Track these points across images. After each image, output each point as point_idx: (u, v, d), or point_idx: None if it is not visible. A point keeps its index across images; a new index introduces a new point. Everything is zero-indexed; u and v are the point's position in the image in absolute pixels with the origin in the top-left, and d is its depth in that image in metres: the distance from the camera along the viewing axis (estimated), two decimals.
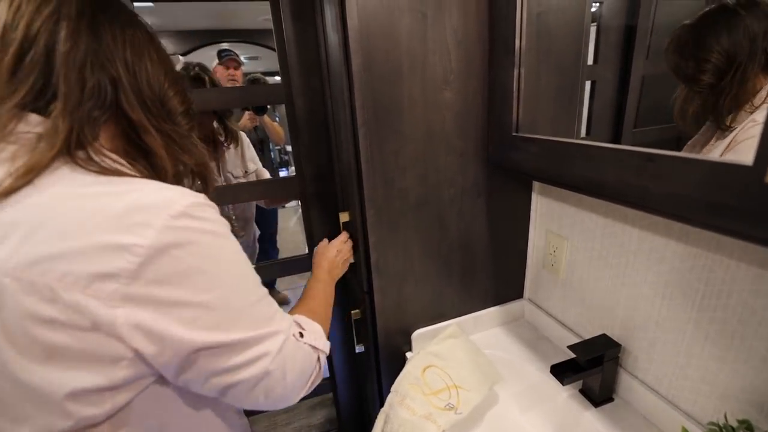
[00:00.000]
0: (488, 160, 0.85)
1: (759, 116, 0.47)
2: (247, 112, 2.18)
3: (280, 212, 3.24)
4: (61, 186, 0.38)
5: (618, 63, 0.71)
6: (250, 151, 1.52)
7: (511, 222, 0.93)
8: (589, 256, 0.78)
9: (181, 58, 3.44)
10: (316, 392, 1.60)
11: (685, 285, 0.59)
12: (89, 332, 0.36)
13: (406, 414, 0.71)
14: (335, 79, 0.85)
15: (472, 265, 0.93)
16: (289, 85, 1.02)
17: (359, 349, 1.11)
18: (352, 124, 0.74)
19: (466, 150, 0.82)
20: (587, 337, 0.79)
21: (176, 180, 0.51)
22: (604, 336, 0.73)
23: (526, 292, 1.01)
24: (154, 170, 0.49)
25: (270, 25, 1.00)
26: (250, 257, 1.64)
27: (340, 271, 0.91)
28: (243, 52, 3.82)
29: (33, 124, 0.40)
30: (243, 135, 1.50)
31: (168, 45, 3.48)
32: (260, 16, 3.36)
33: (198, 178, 0.56)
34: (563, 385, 0.68)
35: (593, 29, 0.73)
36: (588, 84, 0.77)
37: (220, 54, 2.22)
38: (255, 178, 1.49)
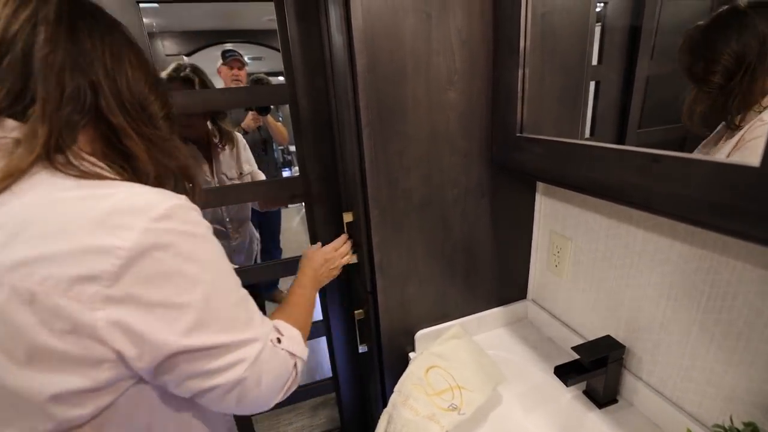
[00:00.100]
0: (492, 161, 0.84)
1: (767, 116, 0.47)
2: (250, 113, 2.19)
3: (283, 212, 3.24)
4: (40, 190, 0.38)
5: (622, 63, 0.71)
6: (246, 153, 1.50)
7: (515, 222, 0.93)
8: (593, 257, 0.77)
9: (185, 58, 3.46)
10: (319, 392, 1.60)
11: (690, 286, 0.59)
12: (71, 335, 0.36)
13: (409, 414, 0.71)
14: (339, 80, 0.85)
15: (476, 266, 0.93)
16: (294, 86, 1.03)
17: (362, 349, 1.12)
18: (356, 124, 0.74)
19: (470, 150, 0.82)
20: (591, 338, 0.79)
21: (159, 182, 0.51)
22: (608, 337, 0.73)
23: (530, 293, 1.01)
24: (135, 173, 0.49)
25: (274, 25, 1.01)
26: (248, 259, 1.63)
27: (325, 279, 0.90)
28: (247, 53, 3.84)
29: (9, 129, 0.40)
30: (239, 136, 1.49)
31: (172, 45, 3.52)
32: (265, 17, 3.37)
33: (185, 181, 0.56)
34: (567, 386, 0.67)
35: (598, 29, 0.73)
36: (592, 84, 0.77)
37: (224, 54, 2.24)
38: (250, 180, 1.47)
